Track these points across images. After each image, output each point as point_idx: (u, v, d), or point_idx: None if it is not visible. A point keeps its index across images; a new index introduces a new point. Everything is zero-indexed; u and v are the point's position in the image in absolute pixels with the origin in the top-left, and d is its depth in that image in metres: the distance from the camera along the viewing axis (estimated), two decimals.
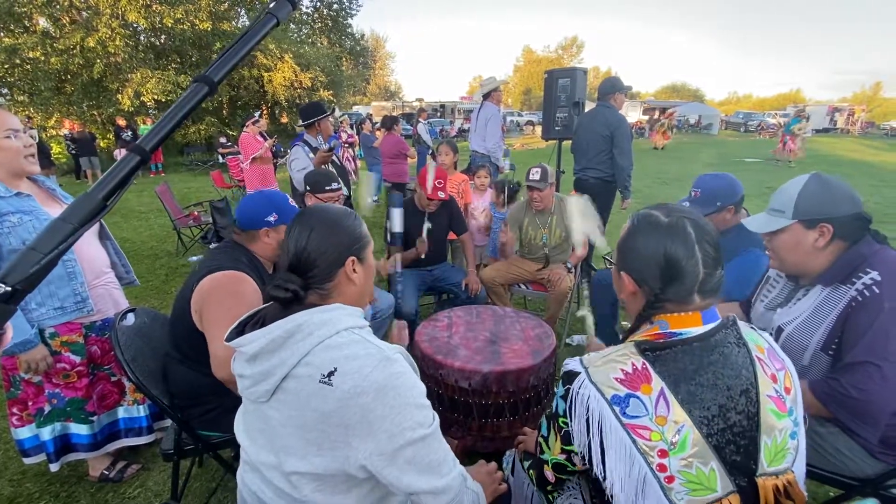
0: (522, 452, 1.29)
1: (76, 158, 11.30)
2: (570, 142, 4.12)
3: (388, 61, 49.85)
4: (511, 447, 1.38)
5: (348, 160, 7.74)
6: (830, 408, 1.23)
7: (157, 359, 1.62)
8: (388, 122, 6.77)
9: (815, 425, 1.33)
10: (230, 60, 0.64)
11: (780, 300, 1.44)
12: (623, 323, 3.12)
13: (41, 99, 12.99)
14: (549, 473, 0.97)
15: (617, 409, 0.80)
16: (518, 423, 1.89)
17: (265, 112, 16.02)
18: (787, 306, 1.39)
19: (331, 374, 0.82)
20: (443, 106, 30.15)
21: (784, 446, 0.83)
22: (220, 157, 12.59)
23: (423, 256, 2.81)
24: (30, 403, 1.76)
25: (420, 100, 32.44)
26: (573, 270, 3.02)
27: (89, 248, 1.78)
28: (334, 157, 3.64)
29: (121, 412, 1.95)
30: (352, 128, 11.10)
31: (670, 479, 0.78)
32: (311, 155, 3.52)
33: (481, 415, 1.88)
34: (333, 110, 5.56)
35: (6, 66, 12.43)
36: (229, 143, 12.36)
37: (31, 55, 12.43)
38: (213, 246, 4.65)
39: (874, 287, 1.18)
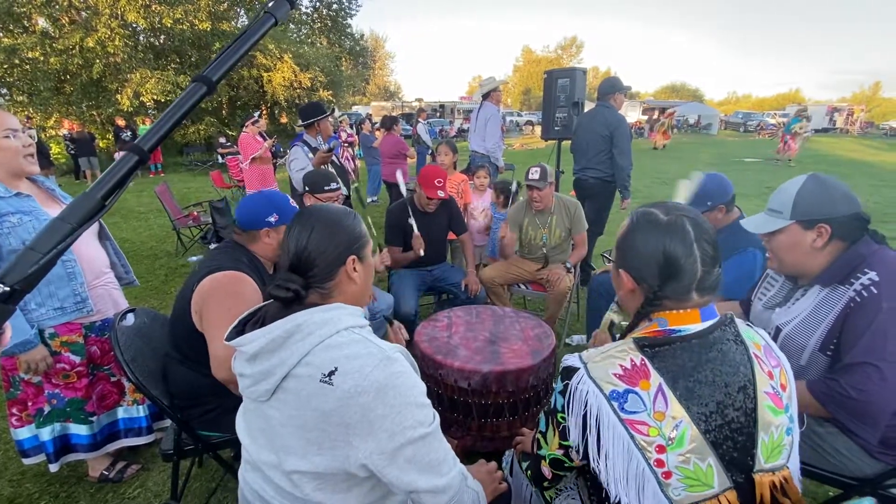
0: (520, 453, 1.29)
1: (75, 159, 11.30)
2: (570, 142, 4.13)
3: (388, 61, 49.90)
4: (511, 447, 1.38)
5: (348, 160, 7.75)
6: (829, 408, 1.23)
7: (156, 359, 1.62)
8: (388, 123, 6.78)
9: (814, 425, 1.33)
10: (228, 60, 0.64)
11: (778, 299, 1.45)
12: (622, 322, 3.12)
13: (40, 99, 12.98)
14: (546, 469, 0.98)
15: (615, 404, 0.81)
16: (518, 423, 1.90)
17: (265, 112, 16.01)
18: (786, 306, 1.39)
19: (331, 373, 0.82)
20: (442, 106, 30.17)
21: (780, 442, 0.84)
22: (219, 158, 12.60)
23: (422, 254, 2.79)
24: (29, 404, 1.76)
25: (419, 100, 32.44)
26: (572, 270, 3.02)
27: (89, 249, 1.79)
28: (334, 158, 3.64)
29: (120, 412, 1.95)
30: (351, 127, 11.10)
31: (668, 474, 0.78)
32: (311, 155, 3.52)
33: (481, 415, 1.88)
34: (333, 110, 5.55)
35: (5, 67, 12.43)
36: (229, 144, 12.37)
37: (30, 55, 12.42)
38: (213, 246, 4.65)
39: (872, 287, 1.19)
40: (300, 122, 3.80)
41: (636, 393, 0.81)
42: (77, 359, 1.75)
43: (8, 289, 0.48)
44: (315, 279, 0.93)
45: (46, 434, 1.77)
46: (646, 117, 26.66)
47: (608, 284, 2.57)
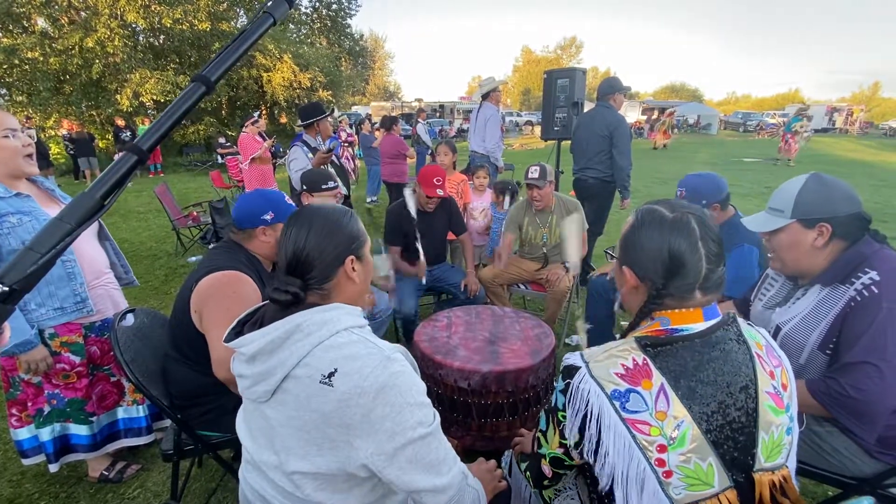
0: (519, 454, 1.29)
1: (75, 159, 11.28)
2: (569, 142, 4.13)
3: (388, 61, 49.93)
4: (510, 447, 1.38)
5: (347, 159, 7.75)
6: (829, 408, 1.23)
7: (156, 359, 1.62)
8: (388, 123, 6.77)
9: (813, 425, 1.33)
10: (227, 60, 0.64)
11: (778, 299, 1.45)
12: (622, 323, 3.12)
13: (40, 99, 12.96)
14: (546, 468, 0.97)
15: (617, 403, 0.81)
16: (517, 423, 1.89)
17: (264, 112, 16.00)
18: (786, 306, 1.40)
19: (331, 374, 0.82)
20: (442, 106, 30.13)
21: (780, 442, 0.84)
22: (219, 158, 12.59)
23: (424, 281, 2.85)
24: (29, 404, 1.76)
25: (419, 100, 32.37)
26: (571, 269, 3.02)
27: (88, 249, 1.78)
28: (333, 158, 3.65)
29: (120, 412, 1.94)
30: (351, 127, 11.10)
31: (668, 473, 0.78)
32: (310, 155, 3.52)
33: (480, 415, 1.88)
34: (332, 111, 5.55)
35: (5, 67, 12.41)
36: (228, 144, 12.37)
37: (29, 55, 12.40)
38: (212, 246, 4.65)
39: (873, 287, 1.19)
40: (300, 123, 3.80)
41: (638, 392, 0.80)
42: (77, 359, 1.75)
43: (7, 289, 0.48)
44: (314, 280, 0.92)
45: (46, 434, 1.77)
46: (645, 117, 26.68)
47: (606, 287, 2.57)
